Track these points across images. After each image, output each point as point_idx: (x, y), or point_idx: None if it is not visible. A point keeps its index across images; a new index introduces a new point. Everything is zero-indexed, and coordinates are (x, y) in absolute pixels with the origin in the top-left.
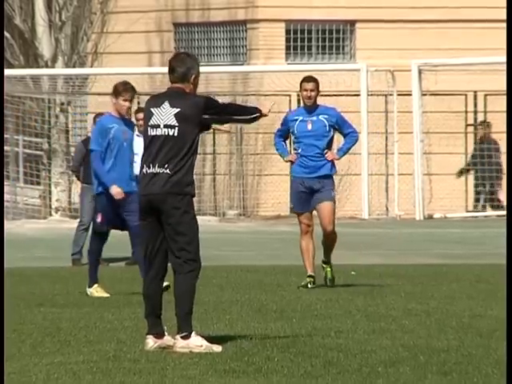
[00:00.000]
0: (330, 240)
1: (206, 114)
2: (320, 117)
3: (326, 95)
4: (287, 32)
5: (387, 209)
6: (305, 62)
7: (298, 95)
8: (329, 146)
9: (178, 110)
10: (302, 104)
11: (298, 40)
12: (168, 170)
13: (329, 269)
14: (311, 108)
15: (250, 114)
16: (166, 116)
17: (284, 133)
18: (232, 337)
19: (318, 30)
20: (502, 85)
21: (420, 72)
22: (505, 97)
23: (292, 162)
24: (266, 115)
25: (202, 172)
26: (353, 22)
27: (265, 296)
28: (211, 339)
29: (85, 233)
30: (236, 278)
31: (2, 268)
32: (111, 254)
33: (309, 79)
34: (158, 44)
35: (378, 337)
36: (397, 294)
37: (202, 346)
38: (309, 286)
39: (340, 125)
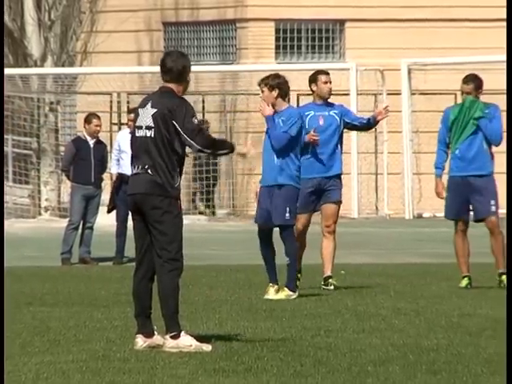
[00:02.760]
0: (330, 248)
1: (172, 119)
2: (331, 112)
3: None
4: (277, 31)
5: (377, 208)
6: (294, 61)
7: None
8: (340, 141)
9: (155, 110)
10: (313, 99)
11: (288, 39)
12: (149, 171)
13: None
14: (324, 104)
15: (218, 149)
16: (146, 117)
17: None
18: (222, 336)
19: (308, 29)
20: (492, 84)
21: (409, 71)
22: (494, 96)
23: (313, 142)
24: (243, 154)
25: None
26: (342, 22)
27: (254, 295)
28: (201, 338)
29: (74, 232)
30: (225, 277)
31: (2, 268)
32: (100, 253)
33: (325, 72)
34: (148, 43)
35: (368, 336)
36: (386, 293)
37: (191, 345)
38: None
39: (346, 115)
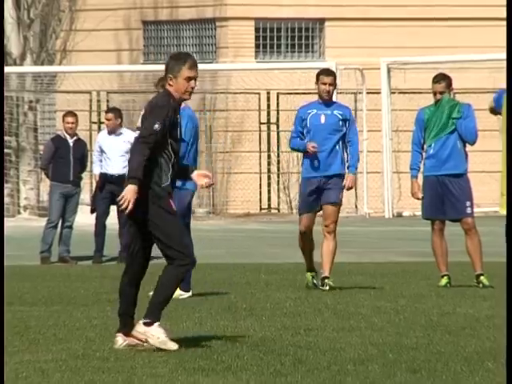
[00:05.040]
0: (329, 248)
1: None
2: (334, 112)
3: (295, 93)
4: (256, 30)
5: (356, 207)
6: (274, 60)
7: (268, 93)
8: (341, 141)
9: (143, 111)
10: (318, 98)
11: (268, 38)
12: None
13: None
14: (327, 102)
15: (131, 169)
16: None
17: (299, 134)
18: (201, 335)
19: (288, 28)
20: (471, 83)
21: (389, 70)
22: (475, 95)
23: (312, 153)
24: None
25: None
26: (322, 21)
27: (234, 294)
28: (181, 337)
29: (53, 231)
30: (205, 276)
31: (2, 267)
32: (79, 252)
33: (328, 72)
34: (127, 42)
35: (348, 335)
36: (366, 291)
37: (158, 338)
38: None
39: (350, 125)
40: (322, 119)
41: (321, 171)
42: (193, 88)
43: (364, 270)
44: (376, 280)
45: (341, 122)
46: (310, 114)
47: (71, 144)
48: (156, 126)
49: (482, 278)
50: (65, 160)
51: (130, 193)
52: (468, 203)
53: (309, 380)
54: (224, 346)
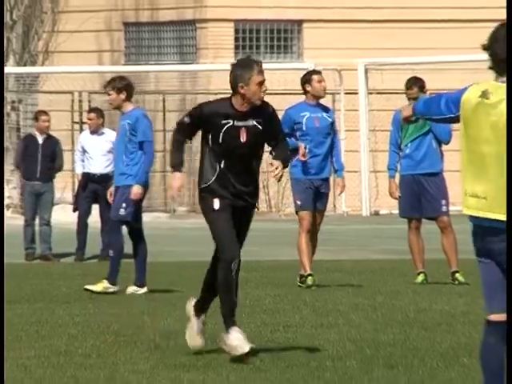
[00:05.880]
0: (310, 245)
1: None
2: (324, 115)
3: (274, 94)
4: (236, 31)
5: (334, 206)
6: None
7: None
8: (332, 145)
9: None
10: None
11: (247, 39)
12: None
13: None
14: (314, 104)
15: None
16: None
17: (289, 135)
18: (182, 332)
19: (267, 29)
20: (446, 84)
21: (366, 71)
22: None
23: (305, 161)
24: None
25: (152, 169)
26: (300, 22)
27: None
28: (161, 334)
29: (29, 228)
30: (185, 273)
31: (2, 267)
32: (62, 250)
33: (317, 72)
34: (108, 43)
35: (326, 331)
36: (344, 289)
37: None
38: (309, 283)
39: (334, 128)
40: (317, 123)
41: (315, 174)
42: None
43: (342, 268)
44: (354, 277)
45: (331, 126)
46: (304, 116)
47: (40, 142)
48: (184, 117)
49: (457, 275)
50: (32, 158)
51: None
52: (444, 202)
53: (287, 376)
54: (204, 343)
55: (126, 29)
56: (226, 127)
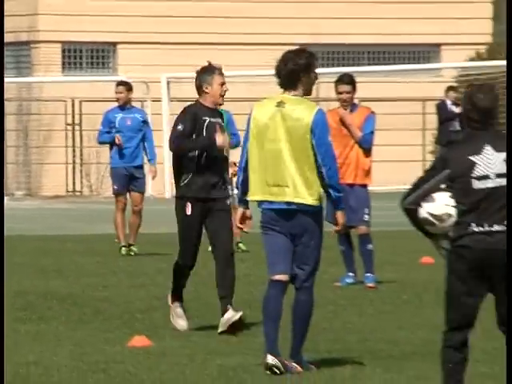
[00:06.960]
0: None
1: None
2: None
3: (95, 101)
4: (63, 51)
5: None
6: (78, 74)
7: (73, 100)
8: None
9: None
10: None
11: (72, 57)
12: None
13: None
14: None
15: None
16: None
17: (106, 131)
18: (20, 291)
19: (88, 49)
20: (235, 94)
21: (168, 83)
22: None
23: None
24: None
25: None
26: (115, 44)
27: (45, 259)
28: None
29: None
30: (26, 245)
31: (3, 266)
32: None
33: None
34: None
35: (137, 290)
36: (151, 257)
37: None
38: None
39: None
40: (128, 121)
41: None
42: None
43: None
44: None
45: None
46: (117, 117)
47: None
48: (177, 127)
49: (240, 244)
50: None
51: None
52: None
53: (106, 326)
54: (37, 300)
55: None
56: (205, 124)
